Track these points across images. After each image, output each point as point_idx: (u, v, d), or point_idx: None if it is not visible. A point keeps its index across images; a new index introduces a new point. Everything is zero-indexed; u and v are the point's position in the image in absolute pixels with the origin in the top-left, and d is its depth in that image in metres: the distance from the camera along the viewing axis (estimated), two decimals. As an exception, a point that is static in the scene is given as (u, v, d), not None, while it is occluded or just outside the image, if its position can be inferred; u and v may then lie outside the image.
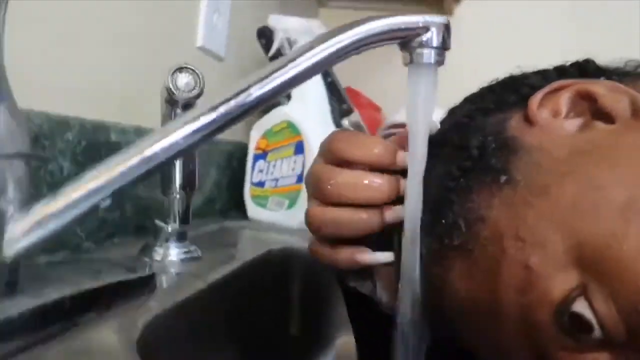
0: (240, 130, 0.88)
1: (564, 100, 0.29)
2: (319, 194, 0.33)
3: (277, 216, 0.77)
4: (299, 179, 0.75)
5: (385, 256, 0.33)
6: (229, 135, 0.84)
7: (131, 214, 0.60)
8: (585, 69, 0.33)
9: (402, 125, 0.88)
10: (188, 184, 0.52)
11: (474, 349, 0.30)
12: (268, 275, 0.59)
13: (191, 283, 0.45)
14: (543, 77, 0.33)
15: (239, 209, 0.85)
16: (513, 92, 0.32)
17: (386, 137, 0.87)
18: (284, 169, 0.77)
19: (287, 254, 0.62)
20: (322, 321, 0.66)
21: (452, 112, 0.36)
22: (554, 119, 0.29)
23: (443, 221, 0.29)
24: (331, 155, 0.33)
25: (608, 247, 0.24)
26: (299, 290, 0.63)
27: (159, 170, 0.43)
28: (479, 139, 0.30)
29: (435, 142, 0.31)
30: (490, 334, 0.28)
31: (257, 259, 0.57)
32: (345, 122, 0.82)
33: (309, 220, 0.35)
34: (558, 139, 0.28)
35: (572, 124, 0.29)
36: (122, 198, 0.58)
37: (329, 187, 0.32)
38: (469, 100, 0.36)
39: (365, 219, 0.31)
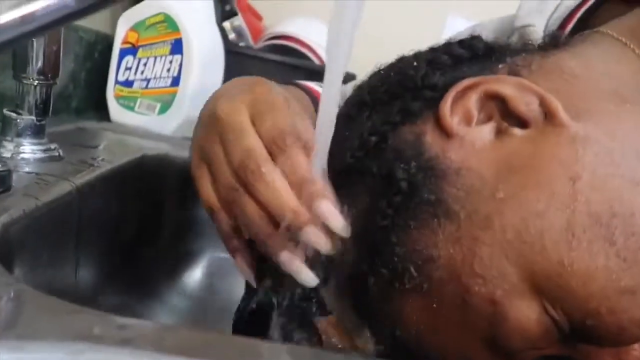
0: (104, 19, 0.77)
1: (472, 103, 0.29)
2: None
3: (147, 121, 0.70)
4: (175, 81, 0.68)
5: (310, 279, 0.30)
6: (90, 23, 0.73)
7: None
8: (475, 49, 0.32)
9: (286, 37, 0.84)
10: (50, 69, 0.44)
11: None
12: (140, 182, 0.53)
13: (55, 184, 0.39)
14: (439, 71, 0.31)
15: (100, 109, 0.75)
16: (414, 97, 0.30)
17: (269, 47, 0.82)
18: (158, 68, 0.69)
19: (163, 161, 0.57)
20: (193, 236, 0.63)
21: (353, 117, 0.32)
22: (468, 127, 0.29)
23: (390, 266, 0.28)
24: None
25: (558, 275, 0.26)
26: (173, 200, 0.58)
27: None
28: (402, 169, 0.28)
29: (351, 169, 0.30)
30: (456, 352, 0.29)
31: (130, 163, 0.51)
32: (227, 25, 0.76)
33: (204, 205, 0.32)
34: (480, 153, 0.28)
35: (486, 131, 0.28)
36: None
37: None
38: (365, 103, 0.32)
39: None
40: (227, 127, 0.31)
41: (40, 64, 0.43)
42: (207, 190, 0.31)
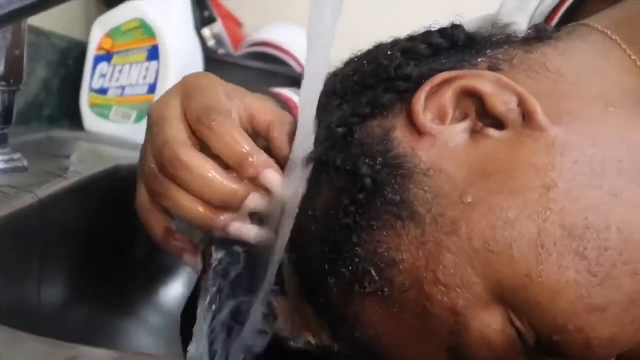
0: (78, 25, 0.74)
1: (448, 100, 0.27)
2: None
3: (123, 129, 0.68)
4: (152, 89, 0.66)
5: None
6: (63, 29, 0.70)
7: None
8: (456, 39, 0.30)
9: (267, 44, 0.83)
10: (13, 74, 0.41)
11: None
12: (114, 193, 0.51)
13: (16, 197, 0.37)
14: (414, 61, 0.29)
15: (73, 118, 0.73)
16: (386, 89, 0.28)
17: (249, 54, 0.81)
18: (134, 76, 0.67)
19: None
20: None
21: (324, 106, 0.30)
22: (442, 126, 0.27)
23: (350, 268, 0.27)
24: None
25: (525, 287, 0.24)
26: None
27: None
28: (367, 164, 0.27)
29: (315, 160, 0.28)
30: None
31: (101, 173, 0.49)
32: (207, 31, 0.74)
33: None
34: (453, 154, 0.26)
35: (461, 131, 0.27)
36: None
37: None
38: (336, 92, 0.30)
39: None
40: (153, 122, 0.29)
41: (2, 69, 0.41)
42: (140, 195, 0.30)
